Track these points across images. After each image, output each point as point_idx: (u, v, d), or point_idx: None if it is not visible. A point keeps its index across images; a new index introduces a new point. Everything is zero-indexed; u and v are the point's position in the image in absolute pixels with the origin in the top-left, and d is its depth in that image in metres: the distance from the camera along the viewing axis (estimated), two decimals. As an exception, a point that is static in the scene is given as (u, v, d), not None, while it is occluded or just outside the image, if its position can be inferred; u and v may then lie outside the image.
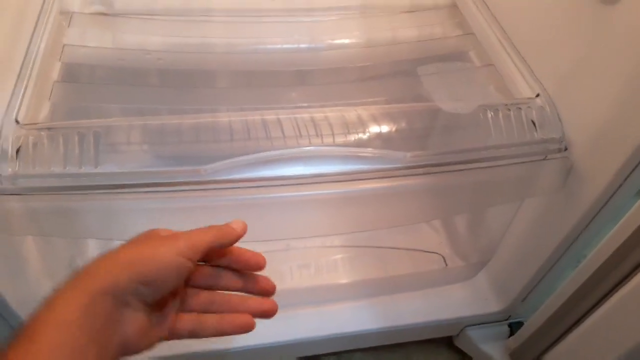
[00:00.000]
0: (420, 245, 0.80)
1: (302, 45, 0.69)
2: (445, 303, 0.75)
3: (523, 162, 0.56)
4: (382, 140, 0.55)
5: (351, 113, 0.56)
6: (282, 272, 0.77)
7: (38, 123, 0.51)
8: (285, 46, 0.69)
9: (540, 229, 0.63)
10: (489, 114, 0.56)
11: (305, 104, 0.56)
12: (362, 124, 0.55)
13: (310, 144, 0.53)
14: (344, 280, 0.77)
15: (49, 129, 0.50)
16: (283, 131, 0.54)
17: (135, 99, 0.55)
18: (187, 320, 0.37)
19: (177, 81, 0.60)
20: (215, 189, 0.50)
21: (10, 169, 0.47)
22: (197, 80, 0.60)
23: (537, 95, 0.58)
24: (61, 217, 0.49)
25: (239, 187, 0.50)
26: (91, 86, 0.56)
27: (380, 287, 0.76)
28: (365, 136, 0.55)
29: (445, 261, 0.81)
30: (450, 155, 0.54)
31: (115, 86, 0.56)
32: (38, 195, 0.48)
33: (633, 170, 0.52)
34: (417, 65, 0.64)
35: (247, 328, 0.38)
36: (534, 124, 0.57)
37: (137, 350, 0.35)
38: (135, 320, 0.33)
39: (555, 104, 0.57)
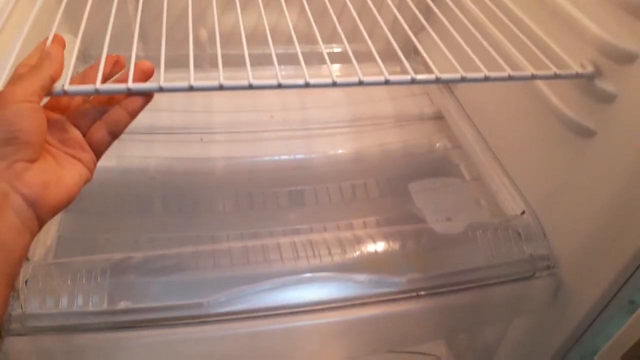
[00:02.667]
0: (418, 347, 0.81)
1: (299, 157, 0.73)
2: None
3: (513, 280, 0.58)
4: (377, 261, 0.58)
5: (347, 235, 0.58)
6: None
7: (47, 261, 0.53)
8: (282, 158, 0.73)
9: (534, 340, 0.64)
10: (478, 233, 0.59)
11: (303, 226, 0.59)
12: (358, 246, 0.58)
13: (308, 269, 0.55)
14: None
15: (56, 265, 0.52)
16: (282, 255, 0.56)
17: (139, 228, 0.58)
18: (96, 129, 0.39)
19: (179, 206, 0.63)
20: (217, 321, 0.51)
21: (19, 309, 0.49)
22: (199, 203, 0.63)
23: (523, 213, 0.61)
24: (67, 354, 0.50)
25: (239, 319, 0.52)
26: (96, 216, 0.59)
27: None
28: (361, 258, 0.57)
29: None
30: (443, 278, 0.56)
31: (120, 215, 0.59)
32: (47, 335, 0.49)
33: (621, 287, 0.54)
34: (408, 181, 0.67)
35: (149, 73, 0.42)
36: (521, 241, 0.59)
37: (66, 193, 0.36)
38: (32, 177, 0.34)
39: (540, 222, 0.60)
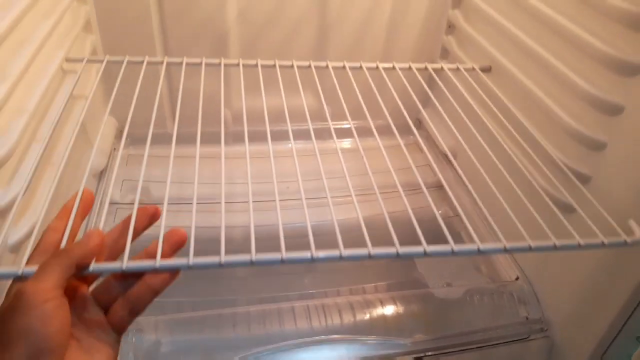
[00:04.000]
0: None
1: (312, 224, 0.80)
2: None
3: (510, 342, 0.63)
4: (385, 323, 0.63)
5: (358, 299, 0.64)
6: None
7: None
8: (297, 225, 0.80)
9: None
10: (476, 298, 0.64)
11: (316, 291, 0.65)
12: (367, 310, 0.63)
13: (321, 331, 0.61)
14: None
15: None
16: (295, 318, 0.62)
17: (166, 292, 0.64)
18: (118, 309, 0.39)
19: (203, 271, 0.69)
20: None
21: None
22: (218, 270, 0.69)
23: (517, 278, 0.67)
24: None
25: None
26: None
27: None
28: (370, 321, 0.63)
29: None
30: (446, 340, 0.61)
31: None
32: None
33: (607, 348, 0.59)
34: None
35: (181, 242, 0.41)
36: (516, 305, 0.64)
37: None
38: None
39: (533, 287, 0.66)
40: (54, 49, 0.66)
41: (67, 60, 0.68)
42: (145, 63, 0.70)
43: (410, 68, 0.79)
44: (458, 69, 0.80)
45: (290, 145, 0.49)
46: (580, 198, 0.56)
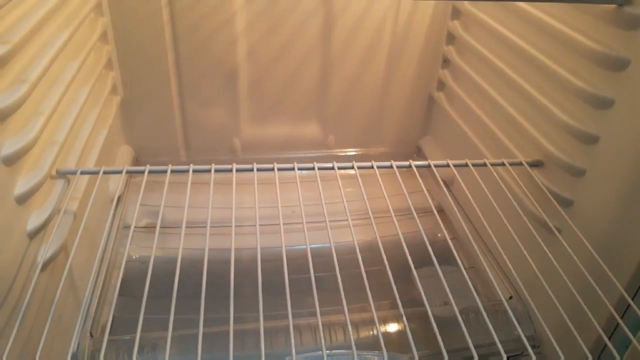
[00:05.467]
0: None
1: (316, 246, 0.84)
2: None
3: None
4: (385, 339, 0.66)
5: (360, 317, 0.68)
6: None
7: (103, 337, 0.63)
8: (301, 247, 0.84)
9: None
10: (471, 316, 0.68)
11: (323, 308, 0.68)
12: (368, 326, 0.67)
13: (325, 345, 0.64)
14: None
15: (110, 342, 0.63)
16: (301, 335, 0.66)
17: (178, 310, 0.68)
18: None
19: (212, 290, 0.73)
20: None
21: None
22: (229, 288, 0.73)
23: (511, 297, 0.70)
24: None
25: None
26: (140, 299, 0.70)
27: None
28: (372, 337, 0.66)
29: None
30: (442, 356, 0.64)
31: (162, 299, 0.70)
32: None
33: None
34: (410, 269, 0.77)
35: None
36: (510, 323, 0.68)
37: None
38: None
39: (525, 305, 0.69)
40: (80, 86, 0.72)
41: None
42: (169, 172, 0.71)
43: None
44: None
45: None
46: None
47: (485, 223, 0.68)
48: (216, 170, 0.71)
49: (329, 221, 0.90)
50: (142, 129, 0.97)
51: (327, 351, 0.64)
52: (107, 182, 0.86)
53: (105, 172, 0.66)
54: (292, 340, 0.54)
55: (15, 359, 0.50)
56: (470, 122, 0.91)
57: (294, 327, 0.67)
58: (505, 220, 0.68)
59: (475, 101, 0.89)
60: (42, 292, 0.57)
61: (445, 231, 0.76)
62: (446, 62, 0.97)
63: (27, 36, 0.54)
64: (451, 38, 0.96)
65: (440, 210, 0.89)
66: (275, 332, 0.66)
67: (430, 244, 0.85)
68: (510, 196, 0.69)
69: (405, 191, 0.77)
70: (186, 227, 0.93)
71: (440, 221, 0.75)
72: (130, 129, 0.96)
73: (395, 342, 0.66)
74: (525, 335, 0.68)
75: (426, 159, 1.13)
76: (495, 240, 0.69)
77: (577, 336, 0.57)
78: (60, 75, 0.64)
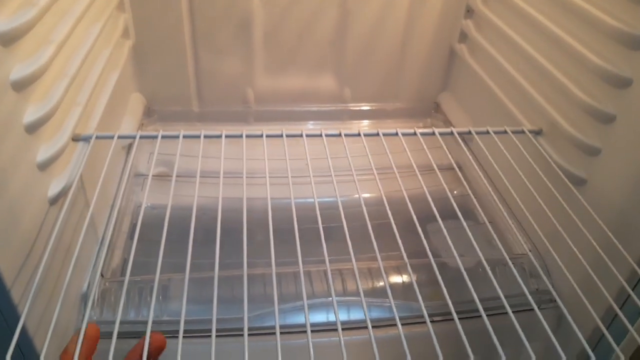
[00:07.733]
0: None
1: (328, 200, 0.82)
2: None
3: (519, 311, 0.64)
4: (400, 288, 0.65)
5: (373, 266, 0.67)
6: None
7: (115, 278, 0.63)
8: (313, 199, 0.83)
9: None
10: (488, 269, 0.66)
11: (332, 257, 0.67)
12: (381, 276, 0.66)
13: (337, 292, 0.63)
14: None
15: (118, 282, 0.62)
16: (312, 283, 0.65)
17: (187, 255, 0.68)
18: None
19: (224, 237, 0.72)
20: (256, 334, 0.60)
21: (95, 316, 0.59)
22: (241, 236, 0.72)
23: (529, 251, 0.68)
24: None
25: (272, 333, 0.60)
26: (155, 244, 0.69)
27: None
28: (384, 285, 0.65)
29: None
30: (458, 305, 0.63)
31: (174, 244, 0.69)
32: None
33: (612, 320, 0.60)
34: (427, 223, 0.75)
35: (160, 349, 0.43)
36: (526, 277, 0.66)
37: None
38: None
39: (544, 259, 0.67)
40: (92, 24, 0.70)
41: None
42: (181, 137, 0.72)
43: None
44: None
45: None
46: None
47: (505, 180, 0.66)
48: (226, 136, 0.72)
49: (342, 175, 0.89)
50: (154, 77, 0.95)
51: (340, 297, 0.62)
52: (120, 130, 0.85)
53: (120, 137, 0.66)
54: (302, 282, 0.52)
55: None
56: (495, 76, 0.88)
57: (305, 273, 0.66)
58: (525, 180, 0.67)
59: (502, 53, 0.85)
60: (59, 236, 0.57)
61: (466, 186, 0.74)
62: (469, 11, 0.93)
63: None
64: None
65: (458, 168, 0.87)
66: (285, 277, 0.65)
67: (446, 200, 0.84)
68: (530, 160, 0.67)
69: (425, 147, 0.75)
70: (200, 176, 0.92)
71: (461, 176, 0.74)
72: (142, 76, 0.94)
73: (411, 291, 0.64)
74: (543, 289, 0.66)
75: (445, 116, 1.10)
76: (515, 195, 0.67)
77: (601, 286, 0.56)
78: (71, 7, 0.62)
